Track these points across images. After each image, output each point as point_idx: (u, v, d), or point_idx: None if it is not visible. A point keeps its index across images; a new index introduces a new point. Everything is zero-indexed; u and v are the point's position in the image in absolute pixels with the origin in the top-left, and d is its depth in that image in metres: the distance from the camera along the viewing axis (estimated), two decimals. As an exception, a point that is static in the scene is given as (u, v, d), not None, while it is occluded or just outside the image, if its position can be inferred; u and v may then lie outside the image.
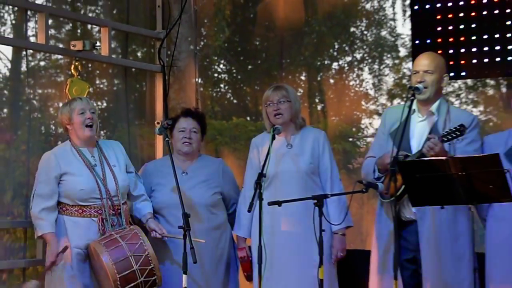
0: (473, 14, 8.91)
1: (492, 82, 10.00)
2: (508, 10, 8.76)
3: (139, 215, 7.44)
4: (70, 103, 7.30)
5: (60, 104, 8.21)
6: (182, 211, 6.83)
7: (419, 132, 7.27)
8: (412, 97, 7.03)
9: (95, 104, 7.51)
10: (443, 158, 6.55)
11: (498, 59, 8.83)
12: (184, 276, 6.71)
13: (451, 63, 8.76)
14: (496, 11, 8.80)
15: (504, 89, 9.86)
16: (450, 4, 8.99)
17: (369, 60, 11.36)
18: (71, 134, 7.27)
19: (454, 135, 6.75)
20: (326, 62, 11.02)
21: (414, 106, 7.19)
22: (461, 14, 8.95)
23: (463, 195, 6.44)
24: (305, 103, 9.90)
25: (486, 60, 8.91)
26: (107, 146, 7.45)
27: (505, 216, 7.09)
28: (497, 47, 8.82)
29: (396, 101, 10.20)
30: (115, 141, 7.62)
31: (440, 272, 7.19)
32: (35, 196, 7.13)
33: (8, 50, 8.51)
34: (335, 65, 11.14)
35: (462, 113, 7.67)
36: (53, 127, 8.63)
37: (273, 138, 7.20)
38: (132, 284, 6.89)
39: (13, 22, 9.03)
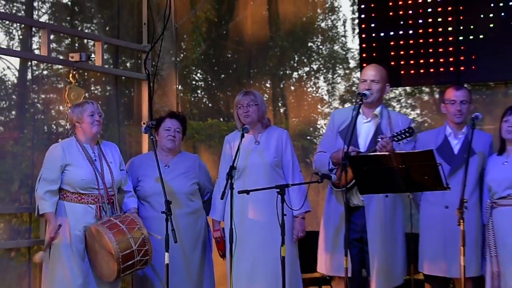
0: (410, 32, 8.99)
1: (427, 90, 10.03)
2: (440, 29, 8.87)
3: (125, 208, 7.48)
4: (82, 105, 7.33)
5: (61, 108, 8.41)
6: (164, 199, 6.97)
7: (365, 131, 7.42)
8: (360, 102, 7.18)
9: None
10: (386, 153, 6.74)
11: (432, 70, 8.94)
12: (166, 254, 6.87)
13: (392, 73, 8.75)
14: (430, 29, 8.90)
15: (436, 96, 9.87)
16: (391, 23, 9.07)
17: (324, 70, 11.33)
18: (77, 131, 7.31)
19: (404, 136, 6.97)
20: (287, 72, 10.99)
21: (360, 110, 7.28)
22: (401, 32, 9.03)
23: (403, 185, 6.61)
24: (270, 107, 9.92)
25: (422, 71, 9.02)
26: (106, 146, 7.51)
27: (435, 201, 7.32)
28: (431, 60, 8.92)
29: (347, 105, 10.28)
30: (113, 143, 7.67)
31: (382, 249, 7.31)
32: (41, 179, 7.15)
33: (16, 61, 8.49)
34: (295, 74, 11.11)
35: (401, 117, 7.78)
36: (54, 127, 8.56)
37: (243, 136, 7.27)
38: (130, 262, 6.98)
39: (20, 37, 8.98)
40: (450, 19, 8.90)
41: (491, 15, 8.74)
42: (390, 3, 9.12)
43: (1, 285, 7.44)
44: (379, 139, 7.09)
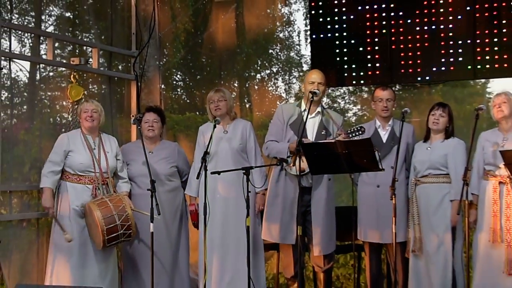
0: (352, 41, 9.00)
1: (366, 89, 10.14)
2: (376, 39, 8.88)
3: (119, 190, 7.50)
4: (82, 104, 7.53)
5: (64, 103, 8.38)
6: (149, 179, 6.99)
7: (311, 125, 7.48)
8: (312, 99, 7.22)
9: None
10: (332, 141, 6.83)
11: (369, 72, 8.95)
12: (151, 224, 6.93)
13: (338, 75, 8.96)
14: (368, 40, 8.90)
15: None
16: (337, 34, 9.03)
17: (282, 73, 11.33)
18: (81, 124, 7.45)
19: (358, 133, 7.09)
20: (252, 74, 10.96)
21: (306, 107, 7.39)
22: (344, 41, 9.02)
23: (346, 167, 6.75)
24: (237, 102, 9.90)
25: (361, 73, 9.02)
26: (106, 138, 7.57)
27: (369, 181, 7.47)
28: (369, 64, 8.94)
29: (291, 100, 10.38)
30: (113, 137, 7.72)
31: (323, 221, 7.46)
32: (47, 161, 7.25)
33: (27, 65, 8.41)
34: (258, 76, 11.09)
35: (337, 114, 7.90)
36: (58, 119, 8.44)
37: (215, 126, 7.31)
38: (114, 234, 7.05)
39: (31, 45, 8.92)
40: (384, 31, 8.88)
41: (417, 28, 8.75)
42: (336, 18, 9.07)
43: (15, 249, 7.42)
44: (338, 134, 7.20)
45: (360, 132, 7.12)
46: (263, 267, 7.82)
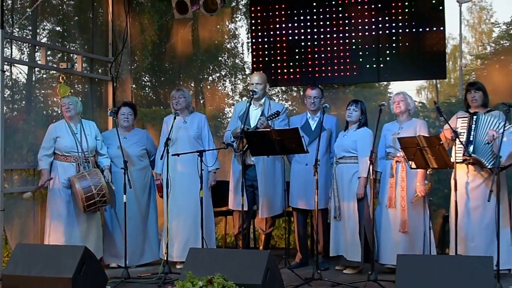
0: (284, 51, 9.02)
1: (295, 89, 10.30)
2: (302, 49, 8.92)
3: (101, 165, 7.53)
4: (62, 100, 7.54)
5: (55, 99, 8.35)
6: (123, 159, 7.01)
7: (254, 115, 7.56)
8: (252, 97, 7.41)
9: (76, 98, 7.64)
10: (269, 129, 6.99)
11: (298, 75, 8.98)
12: (124, 195, 6.98)
13: (273, 77, 8.94)
14: (296, 50, 8.97)
15: (301, 92, 10.02)
16: (272, 45, 9.06)
17: (229, 76, 11.31)
18: (64, 115, 7.48)
19: (274, 116, 7.23)
20: (205, 76, 10.87)
21: (252, 101, 7.49)
22: (278, 51, 9.03)
23: (279, 150, 6.88)
24: (194, 99, 9.90)
25: (291, 76, 9.03)
26: (86, 123, 7.56)
27: (299, 160, 7.51)
28: (297, 69, 8.97)
29: (244, 99, 10.42)
30: (92, 122, 7.72)
31: (266, 191, 7.55)
32: (41, 147, 7.33)
33: (25, 68, 8.36)
34: (210, 78, 11.02)
35: (277, 105, 7.97)
36: (50, 111, 8.32)
37: (175, 118, 7.33)
38: (92, 201, 7.10)
39: (28, 52, 8.87)
40: (309, 43, 8.92)
41: (335, 41, 8.85)
42: (271, 32, 9.08)
43: (15, 216, 7.33)
44: (260, 118, 7.34)
45: (275, 115, 7.23)
46: (213, 229, 7.86)
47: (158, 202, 8.10)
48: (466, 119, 6.85)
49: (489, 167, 6.61)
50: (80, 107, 7.61)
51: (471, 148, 6.71)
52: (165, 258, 7.14)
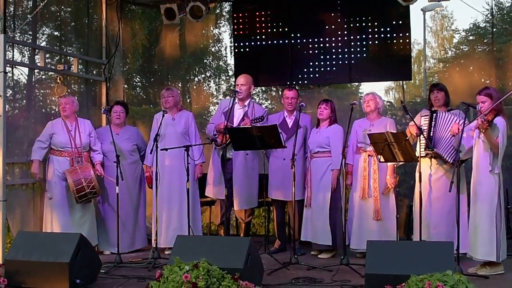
0: (264, 54, 9.04)
1: (274, 89, 10.32)
2: (281, 53, 8.95)
3: (94, 160, 7.48)
4: (59, 99, 7.52)
5: (53, 98, 8.29)
6: (115, 154, 7.02)
7: (238, 114, 7.58)
8: (235, 96, 7.39)
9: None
10: (250, 126, 7.03)
11: (276, 77, 9.08)
12: (117, 187, 7.00)
13: (254, 78, 8.97)
14: (275, 53, 8.99)
15: (280, 92, 10.07)
16: (253, 49, 9.07)
17: (214, 77, 11.40)
18: (60, 113, 7.43)
19: (258, 121, 7.27)
20: (191, 77, 10.91)
21: (236, 101, 7.50)
22: (259, 54, 9.04)
23: (259, 145, 6.86)
24: (182, 98, 10.06)
25: (270, 77, 9.14)
26: (81, 121, 7.55)
27: (277, 155, 7.52)
28: (276, 71, 9.03)
29: (227, 97, 10.44)
30: (87, 120, 7.70)
31: (243, 184, 7.57)
32: (36, 140, 7.31)
33: (26, 70, 8.32)
34: (196, 79, 11.07)
35: (260, 108, 7.96)
36: (49, 110, 8.30)
37: (163, 115, 7.29)
38: (82, 193, 7.12)
39: (29, 55, 8.89)
40: (286, 47, 8.95)
41: (310, 45, 8.89)
42: (252, 37, 9.10)
43: (17, 205, 7.28)
44: (245, 120, 7.35)
45: (260, 120, 7.27)
46: (199, 218, 7.84)
47: (147, 193, 8.04)
48: (428, 117, 6.89)
49: (450, 161, 6.66)
50: (77, 106, 7.59)
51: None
52: (155, 245, 7.13)
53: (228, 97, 9.89)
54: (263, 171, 7.56)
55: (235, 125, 7.48)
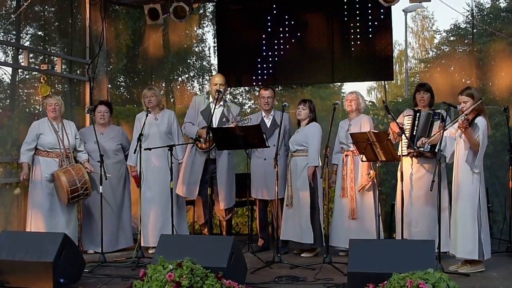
0: (247, 54, 9.07)
1: (257, 88, 10.30)
2: (264, 53, 9.00)
3: (80, 159, 7.43)
4: (47, 99, 7.46)
5: (37, 98, 8.27)
6: (99, 153, 7.00)
7: (216, 114, 7.52)
8: (217, 96, 7.39)
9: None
10: (233, 126, 7.02)
11: (260, 77, 9.06)
12: (100, 186, 6.94)
13: (237, 78, 9.03)
14: (259, 53, 9.02)
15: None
16: (236, 49, 9.09)
17: (197, 76, 11.42)
18: (47, 114, 7.35)
19: (245, 122, 7.25)
20: (175, 77, 10.91)
21: (213, 102, 7.48)
22: (242, 54, 9.08)
23: (242, 144, 6.87)
24: (165, 98, 9.84)
25: (253, 77, 9.12)
26: (67, 123, 7.46)
27: (258, 155, 7.57)
28: (259, 71, 9.04)
29: (199, 94, 10.48)
30: (71, 122, 7.60)
31: (225, 183, 7.54)
32: (24, 142, 7.23)
33: (9, 70, 8.31)
34: (180, 78, 11.09)
35: (236, 107, 7.93)
36: (32, 109, 8.29)
37: (147, 115, 7.25)
38: (76, 194, 7.10)
39: (12, 55, 8.84)
40: (270, 47, 8.99)
41: (293, 47, 8.94)
42: (235, 37, 9.13)
43: (1, 205, 7.34)
44: (232, 122, 7.32)
45: (246, 121, 7.26)
46: (184, 217, 7.86)
47: (132, 193, 8.04)
48: (411, 116, 6.92)
49: (429, 151, 6.68)
50: (64, 108, 7.55)
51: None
52: (138, 244, 7.10)
53: (200, 94, 9.90)
54: (246, 170, 7.58)
55: (214, 124, 7.48)
